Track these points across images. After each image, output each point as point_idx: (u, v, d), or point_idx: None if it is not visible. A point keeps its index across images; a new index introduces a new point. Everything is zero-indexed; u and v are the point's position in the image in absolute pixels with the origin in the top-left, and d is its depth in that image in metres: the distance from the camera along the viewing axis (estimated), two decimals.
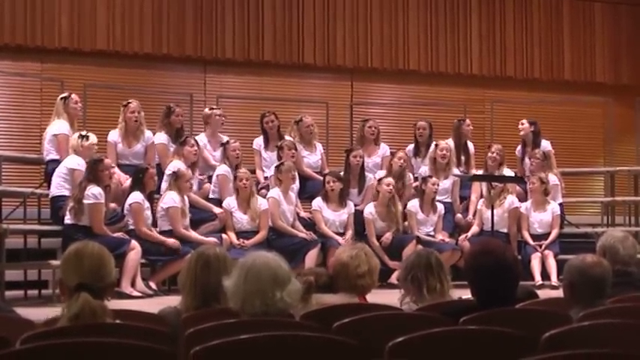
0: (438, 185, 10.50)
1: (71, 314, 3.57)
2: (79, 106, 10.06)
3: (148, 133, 10.14)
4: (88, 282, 3.64)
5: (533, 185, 10.61)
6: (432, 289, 5.00)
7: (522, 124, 11.40)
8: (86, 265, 3.68)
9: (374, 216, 10.24)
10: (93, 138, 9.38)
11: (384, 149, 11.21)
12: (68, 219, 8.79)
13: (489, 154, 10.98)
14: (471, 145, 11.45)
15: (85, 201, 8.71)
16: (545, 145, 11.33)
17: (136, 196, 9.09)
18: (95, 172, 8.85)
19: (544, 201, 10.64)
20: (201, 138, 10.51)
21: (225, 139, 10.61)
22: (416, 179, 10.89)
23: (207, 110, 10.86)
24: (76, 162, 9.15)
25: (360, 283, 5.03)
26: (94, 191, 8.75)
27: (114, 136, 10.04)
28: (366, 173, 10.75)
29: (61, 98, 9.87)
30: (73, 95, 9.97)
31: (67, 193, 9.06)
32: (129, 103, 10.06)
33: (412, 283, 5.04)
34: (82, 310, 3.56)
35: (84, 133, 9.45)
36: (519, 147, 11.52)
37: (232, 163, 10.15)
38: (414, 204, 10.49)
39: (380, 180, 10.38)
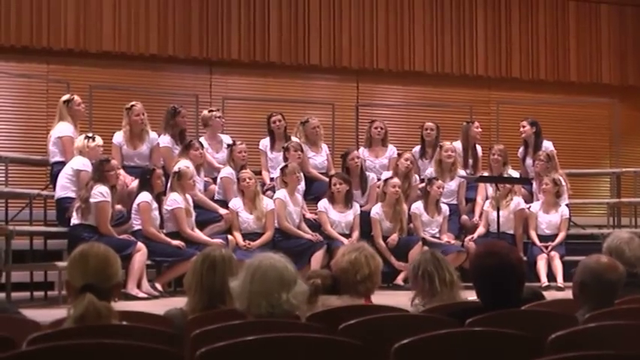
0: (443, 188, 10.49)
1: (76, 315, 3.56)
2: (82, 108, 10.05)
3: (152, 134, 10.13)
4: (93, 283, 3.62)
5: (546, 186, 10.58)
6: (443, 281, 5.01)
7: (524, 126, 11.37)
8: (91, 266, 3.68)
9: (380, 216, 10.23)
10: (99, 139, 9.41)
11: (391, 150, 11.17)
12: (75, 219, 8.80)
13: (491, 156, 10.96)
14: (478, 148, 11.41)
15: (92, 199, 8.73)
16: (547, 145, 11.32)
17: (145, 196, 9.11)
18: (102, 172, 8.88)
19: (555, 203, 10.64)
20: (202, 141, 10.47)
21: (228, 140, 10.60)
22: (422, 181, 10.87)
23: (206, 112, 10.82)
24: (81, 163, 9.16)
25: (361, 288, 5.01)
26: (101, 190, 8.78)
27: (118, 138, 10.03)
28: (367, 173, 10.75)
29: (64, 101, 9.87)
30: (75, 97, 9.97)
31: (72, 194, 9.08)
32: (133, 105, 10.02)
33: (423, 279, 5.04)
34: (87, 311, 3.55)
35: (90, 134, 9.46)
36: (521, 148, 11.52)
37: (238, 165, 10.13)
38: (418, 206, 10.47)
39: (386, 181, 10.38)
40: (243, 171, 9.96)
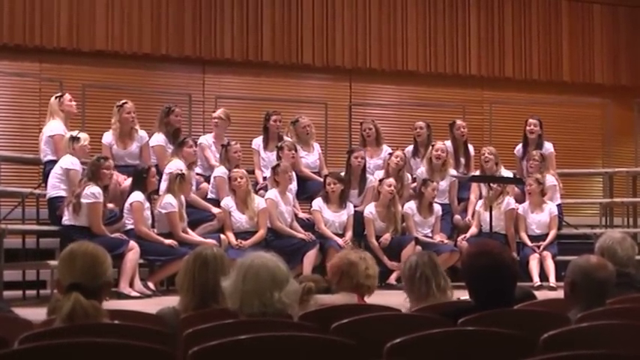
0: (437, 190, 10.48)
1: (63, 314, 3.56)
2: (73, 104, 9.99)
3: (141, 133, 10.11)
4: (80, 282, 3.62)
5: (530, 187, 10.58)
6: (438, 286, 5.02)
7: (535, 125, 11.22)
8: (79, 265, 3.67)
9: (374, 216, 10.23)
10: (83, 138, 9.27)
11: (386, 151, 11.12)
12: (66, 219, 8.77)
13: (482, 158, 10.90)
14: (470, 148, 11.38)
15: (84, 200, 8.69)
16: (548, 147, 11.28)
17: (137, 196, 9.08)
18: (97, 170, 8.84)
19: (541, 202, 10.63)
20: (208, 138, 10.52)
21: (225, 140, 10.60)
22: (414, 180, 10.86)
23: (219, 112, 10.79)
24: (70, 162, 9.12)
25: (367, 283, 5.09)
26: (93, 190, 8.74)
27: (108, 138, 10.00)
28: (367, 175, 10.73)
29: (55, 97, 9.86)
30: (66, 94, 9.95)
31: (63, 193, 9.04)
32: (124, 103, 10.02)
33: (420, 281, 5.03)
34: (74, 310, 3.54)
35: (74, 134, 9.33)
36: (519, 146, 11.43)
37: (233, 165, 10.11)
38: (410, 206, 10.47)
39: (381, 180, 10.37)
40: (235, 170, 9.92)
